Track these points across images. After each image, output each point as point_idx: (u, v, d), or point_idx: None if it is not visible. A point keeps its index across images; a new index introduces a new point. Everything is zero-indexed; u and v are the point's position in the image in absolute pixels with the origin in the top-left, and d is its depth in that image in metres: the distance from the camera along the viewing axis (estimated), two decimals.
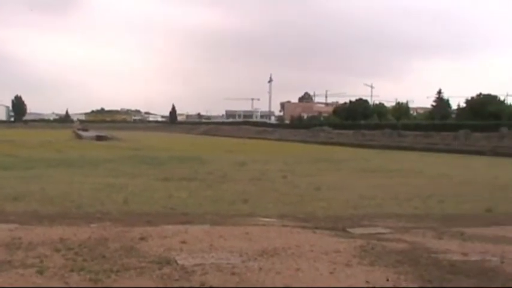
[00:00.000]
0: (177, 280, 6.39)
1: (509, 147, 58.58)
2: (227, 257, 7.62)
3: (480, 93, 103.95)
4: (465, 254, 8.52)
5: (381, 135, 79.22)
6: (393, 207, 16.30)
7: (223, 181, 22.88)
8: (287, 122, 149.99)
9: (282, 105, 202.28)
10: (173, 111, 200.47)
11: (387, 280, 6.68)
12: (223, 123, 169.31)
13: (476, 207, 16.44)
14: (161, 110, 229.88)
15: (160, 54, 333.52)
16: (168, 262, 7.20)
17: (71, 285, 6.16)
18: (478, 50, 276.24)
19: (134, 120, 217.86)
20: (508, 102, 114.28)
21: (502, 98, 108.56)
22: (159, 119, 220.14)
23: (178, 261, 7.23)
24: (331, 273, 6.89)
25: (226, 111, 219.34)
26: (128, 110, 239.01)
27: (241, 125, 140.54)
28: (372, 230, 11.23)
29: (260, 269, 6.97)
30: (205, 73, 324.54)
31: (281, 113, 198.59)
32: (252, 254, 7.80)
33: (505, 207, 16.47)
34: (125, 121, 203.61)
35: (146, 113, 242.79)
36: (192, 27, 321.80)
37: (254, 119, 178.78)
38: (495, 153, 55.70)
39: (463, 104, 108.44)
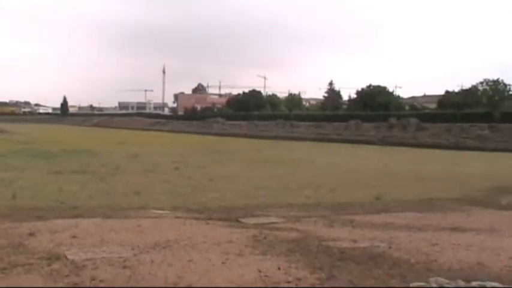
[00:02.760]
0: (67, 276, 6.24)
1: (398, 136, 60.75)
2: (118, 250, 7.52)
3: (370, 85, 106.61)
4: (355, 241, 8.77)
5: (273, 126, 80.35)
6: (285, 196, 16.52)
7: (115, 173, 22.58)
8: (181, 113, 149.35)
9: (176, 96, 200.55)
10: (64, 103, 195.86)
11: (279, 269, 6.77)
12: (116, 114, 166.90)
13: (366, 195, 16.89)
14: (52, 102, 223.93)
15: (51, 45, 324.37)
16: (57, 258, 7.03)
17: None
18: (368, 42, 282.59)
19: (24, 112, 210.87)
20: (397, 94, 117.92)
21: (390, 90, 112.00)
22: (50, 111, 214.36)
23: (68, 257, 7.07)
24: (223, 263, 6.92)
25: (119, 103, 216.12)
26: (17, 102, 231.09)
27: (135, 117, 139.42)
28: (264, 220, 11.36)
29: (152, 261, 6.92)
30: (98, 64, 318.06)
31: (175, 105, 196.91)
32: (144, 247, 7.74)
33: (394, 195, 17.01)
34: (13, 113, 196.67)
35: (36, 105, 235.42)
36: (85, 18, 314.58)
37: (147, 111, 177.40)
38: (384, 142, 57.61)
39: (353, 95, 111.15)
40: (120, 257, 7.09)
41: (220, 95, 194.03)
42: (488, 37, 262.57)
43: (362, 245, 8.44)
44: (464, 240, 9.10)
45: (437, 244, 8.66)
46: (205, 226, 9.92)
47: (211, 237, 8.64)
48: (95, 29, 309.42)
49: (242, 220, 11.25)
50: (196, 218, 11.15)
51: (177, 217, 11.28)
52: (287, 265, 6.96)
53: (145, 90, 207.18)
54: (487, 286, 5.63)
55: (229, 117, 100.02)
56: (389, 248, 8.28)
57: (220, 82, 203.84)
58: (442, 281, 5.81)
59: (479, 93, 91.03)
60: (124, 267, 6.60)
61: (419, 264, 7.34)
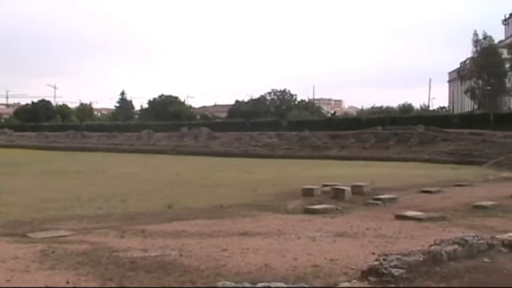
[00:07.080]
0: None
1: (189, 145, 61.65)
2: None
3: (162, 95, 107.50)
4: (146, 250, 8.84)
5: (64, 137, 78.66)
6: (76, 208, 16.15)
7: None
8: None
9: None
10: None
11: (67, 283, 6.68)
12: None
13: (158, 204, 16.92)
14: None
15: None
16: None
17: None
18: (161, 53, 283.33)
19: None
20: (189, 104, 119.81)
21: (182, 99, 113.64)
22: None
23: None
24: (8, 281, 6.71)
25: None
26: None
27: None
28: (53, 234, 11.11)
29: None
30: None
31: None
32: None
33: (185, 203, 17.20)
34: None
35: None
36: None
37: None
38: (176, 151, 58.18)
39: (145, 105, 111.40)
40: None
41: (7, 105, 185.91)
42: (276, 50, 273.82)
43: (153, 254, 8.53)
44: (253, 244, 9.47)
45: (227, 249, 8.94)
46: None
47: None
48: None
49: (29, 235, 10.92)
50: None
51: None
52: (76, 278, 6.89)
53: None
54: (272, 287, 5.87)
55: (17, 129, 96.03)
56: (180, 255, 8.43)
57: (7, 92, 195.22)
58: (229, 284, 5.99)
59: (267, 102, 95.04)
60: None
61: (209, 269, 7.54)
